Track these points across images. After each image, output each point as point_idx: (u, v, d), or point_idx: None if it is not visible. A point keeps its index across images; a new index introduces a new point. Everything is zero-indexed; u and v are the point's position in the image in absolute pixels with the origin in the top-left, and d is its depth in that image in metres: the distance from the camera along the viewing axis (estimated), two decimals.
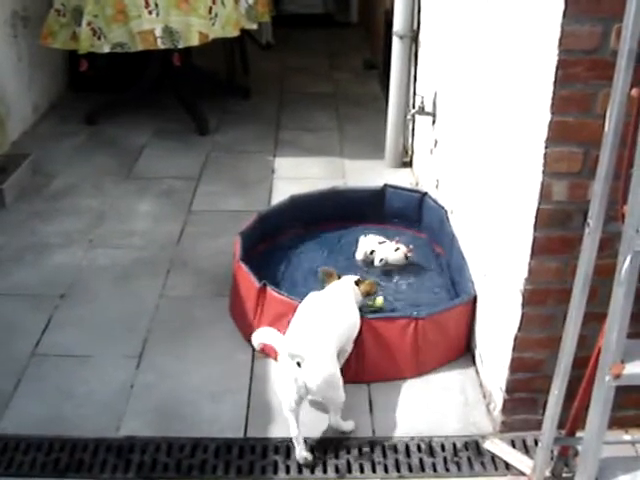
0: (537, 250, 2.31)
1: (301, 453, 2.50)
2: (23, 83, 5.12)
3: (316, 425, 2.67)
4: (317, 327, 2.63)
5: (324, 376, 2.49)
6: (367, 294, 2.98)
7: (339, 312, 2.77)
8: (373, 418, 2.71)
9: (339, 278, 2.99)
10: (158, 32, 4.65)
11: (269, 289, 2.97)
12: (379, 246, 3.43)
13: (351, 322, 2.78)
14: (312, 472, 2.48)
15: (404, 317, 2.90)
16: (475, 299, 2.95)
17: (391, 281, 3.35)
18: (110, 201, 4.24)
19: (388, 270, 3.40)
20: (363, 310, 2.92)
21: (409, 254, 3.41)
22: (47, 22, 4.84)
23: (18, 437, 2.60)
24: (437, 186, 3.74)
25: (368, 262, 3.44)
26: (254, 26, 5.36)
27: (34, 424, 2.66)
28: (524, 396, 2.58)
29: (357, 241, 3.49)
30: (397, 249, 3.40)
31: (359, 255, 3.46)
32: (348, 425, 2.65)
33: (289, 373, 2.48)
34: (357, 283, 2.96)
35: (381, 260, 3.40)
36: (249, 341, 3.02)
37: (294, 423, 2.51)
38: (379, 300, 3.09)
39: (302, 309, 2.76)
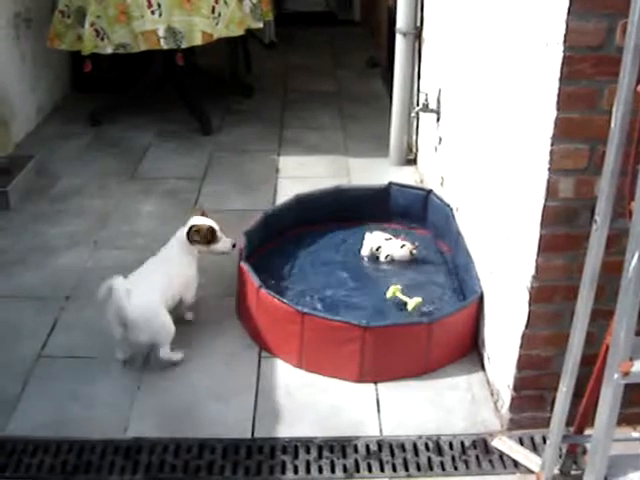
0: (544, 247, 2.31)
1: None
2: (27, 84, 5.12)
3: (324, 424, 2.67)
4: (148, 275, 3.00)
5: (144, 303, 2.84)
6: (205, 240, 3.09)
7: (167, 268, 3.06)
8: (380, 417, 2.71)
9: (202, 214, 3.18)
10: (161, 32, 4.65)
11: (262, 291, 2.98)
12: (385, 242, 3.45)
13: (181, 278, 3.08)
14: (320, 472, 2.48)
15: (415, 324, 2.90)
16: (482, 297, 2.94)
17: (399, 278, 3.34)
18: (114, 202, 4.24)
19: (395, 265, 3.44)
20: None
21: (414, 251, 3.45)
22: (53, 24, 4.84)
23: (26, 439, 2.59)
24: (442, 183, 3.74)
25: (373, 258, 3.47)
26: (260, 25, 5.35)
27: (41, 426, 2.66)
28: (532, 394, 2.57)
29: (363, 237, 3.51)
30: (403, 246, 3.44)
31: (365, 251, 3.48)
32: (177, 355, 2.95)
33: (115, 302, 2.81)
34: (191, 230, 3.08)
35: (387, 256, 3.43)
36: (255, 340, 3.05)
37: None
38: (415, 301, 3.08)
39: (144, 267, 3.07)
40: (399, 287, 3.15)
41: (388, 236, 3.48)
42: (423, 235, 3.68)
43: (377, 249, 3.45)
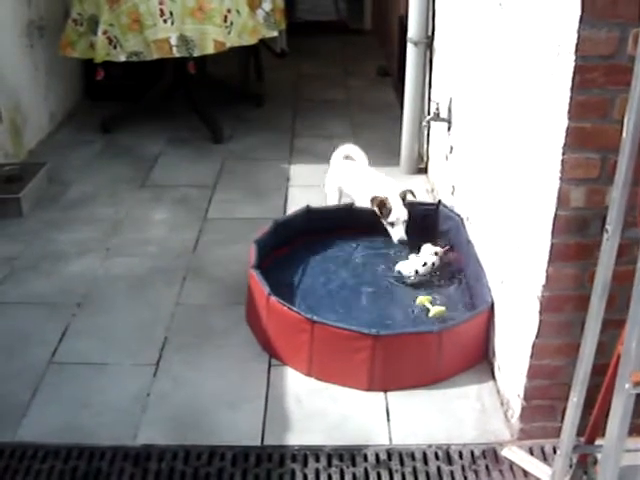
0: (555, 257, 2.30)
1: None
2: (39, 92, 5.15)
3: (333, 432, 2.67)
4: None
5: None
6: (379, 211, 3.52)
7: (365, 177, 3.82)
8: (390, 426, 2.70)
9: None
10: (173, 40, 4.67)
11: (272, 299, 2.98)
12: (436, 257, 3.35)
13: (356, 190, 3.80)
14: (329, 479, 2.49)
15: (426, 333, 2.90)
16: (492, 306, 2.93)
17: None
18: (126, 209, 4.25)
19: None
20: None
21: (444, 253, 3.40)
22: (65, 32, 4.88)
23: (36, 445, 2.60)
24: (453, 192, 3.73)
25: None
26: (274, 33, 5.36)
27: (51, 432, 2.66)
28: (542, 403, 2.56)
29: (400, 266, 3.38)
30: (436, 252, 3.36)
31: (423, 268, 3.33)
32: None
33: None
34: (378, 198, 3.55)
35: (433, 270, 3.35)
36: (265, 348, 3.05)
37: None
38: (438, 309, 3.09)
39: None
40: (429, 298, 3.17)
41: (431, 250, 3.37)
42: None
43: (433, 264, 3.34)
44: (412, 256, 3.40)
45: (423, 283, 3.32)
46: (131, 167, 4.80)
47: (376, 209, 3.52)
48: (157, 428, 2.69)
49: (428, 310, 3.11)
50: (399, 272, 3.36)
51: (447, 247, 3.43)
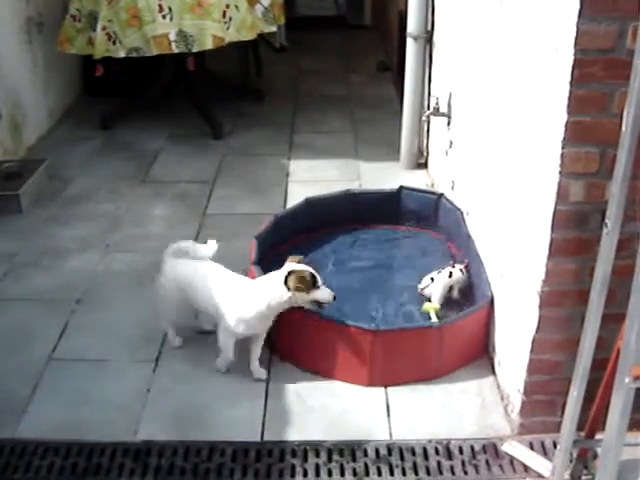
0: (554, 251, 2.30)
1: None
2: (39, 88, 5.15)
3: (333, 427, 2.67)
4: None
5: (166, 276, 3.03)
6: (298, 288, 2.74)
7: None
8: (390, 421, 2.70)
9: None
10: (172, 36, 4.66)
11: None
12: (453, 279, 3.21)
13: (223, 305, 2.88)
14: (329, 475, 2.48)
15: (426, 328, 2.90)
16: (492, 301, 2.93)
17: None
18: (126, 205, 4.25)
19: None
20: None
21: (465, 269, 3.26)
22: (63, 28, 4.88)
23: (36, 441, 2.61)
24: (453, 187, 3.73)
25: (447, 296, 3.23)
26: (273, 28, 5.36)
27: (51, 428, 2.67)
28: (542, 398, 2.56)
29: (421, 290, 3.25)
30: (461, 270, 3.23)
31: (437, 298, 3.16)
32: (174, 339, 3.08)
33: None
34: (288, 275, 2.76)
35: (460, 290, 3.25)
36: (265, 344, 3.04)
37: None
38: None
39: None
40: (436, 307, 3.11)
41: (445, 271, 3.23)
42: (434, 237, 3.71)
43: (450, 290, 3.22)
44: (434, 273, 3.27)
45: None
46: (131, 163, 4.79)
47: (296, 286, 2.75)
48: (157, 424, 2.69)
49: (430, 319, 3.06)
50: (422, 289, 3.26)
51: (466, 263, 3.28)
